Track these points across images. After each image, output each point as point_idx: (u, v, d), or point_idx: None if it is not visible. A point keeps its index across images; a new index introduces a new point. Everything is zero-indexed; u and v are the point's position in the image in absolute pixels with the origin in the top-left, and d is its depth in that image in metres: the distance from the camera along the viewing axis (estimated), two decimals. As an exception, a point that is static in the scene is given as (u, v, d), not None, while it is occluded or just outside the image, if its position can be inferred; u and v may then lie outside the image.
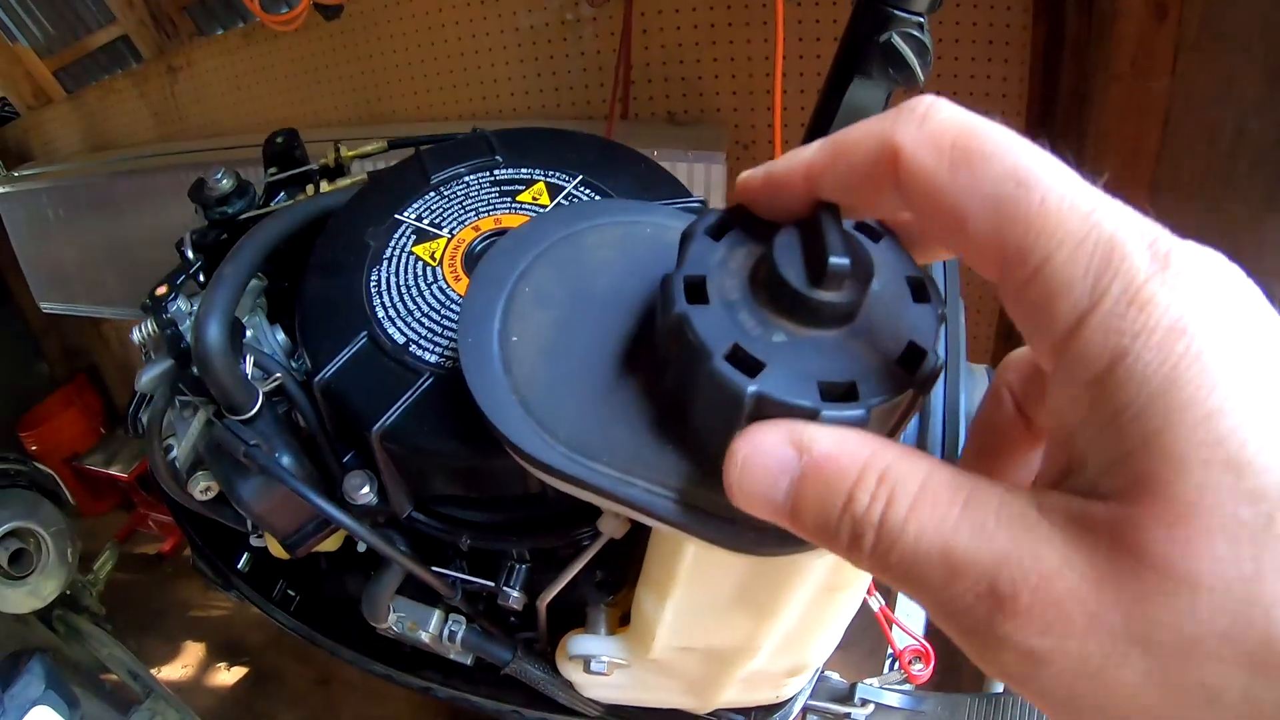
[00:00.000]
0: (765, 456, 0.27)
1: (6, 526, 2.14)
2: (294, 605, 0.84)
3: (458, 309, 0.56)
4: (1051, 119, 1.88)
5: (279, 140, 0.83)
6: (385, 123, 2.55)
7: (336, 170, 0.81)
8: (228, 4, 2.81)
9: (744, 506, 0.28)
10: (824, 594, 0.49)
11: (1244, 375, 0.20)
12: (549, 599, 0.58)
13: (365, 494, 0.54)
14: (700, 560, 0.44)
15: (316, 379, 0.52)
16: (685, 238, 0.34)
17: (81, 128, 3.40)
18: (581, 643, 0.59)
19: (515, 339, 0.41)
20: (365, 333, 0.54)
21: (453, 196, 0.64)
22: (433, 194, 0.64)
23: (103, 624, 2.68)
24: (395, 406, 0.50)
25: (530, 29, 2.18)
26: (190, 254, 0.70)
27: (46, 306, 3.56)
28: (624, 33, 2.01)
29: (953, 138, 0.25)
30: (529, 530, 0.57)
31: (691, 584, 0.46)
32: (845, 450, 0.26)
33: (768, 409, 0.31)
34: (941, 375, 0.48)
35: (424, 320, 0.55)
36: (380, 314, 0.55)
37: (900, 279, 0.34)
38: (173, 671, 3.18)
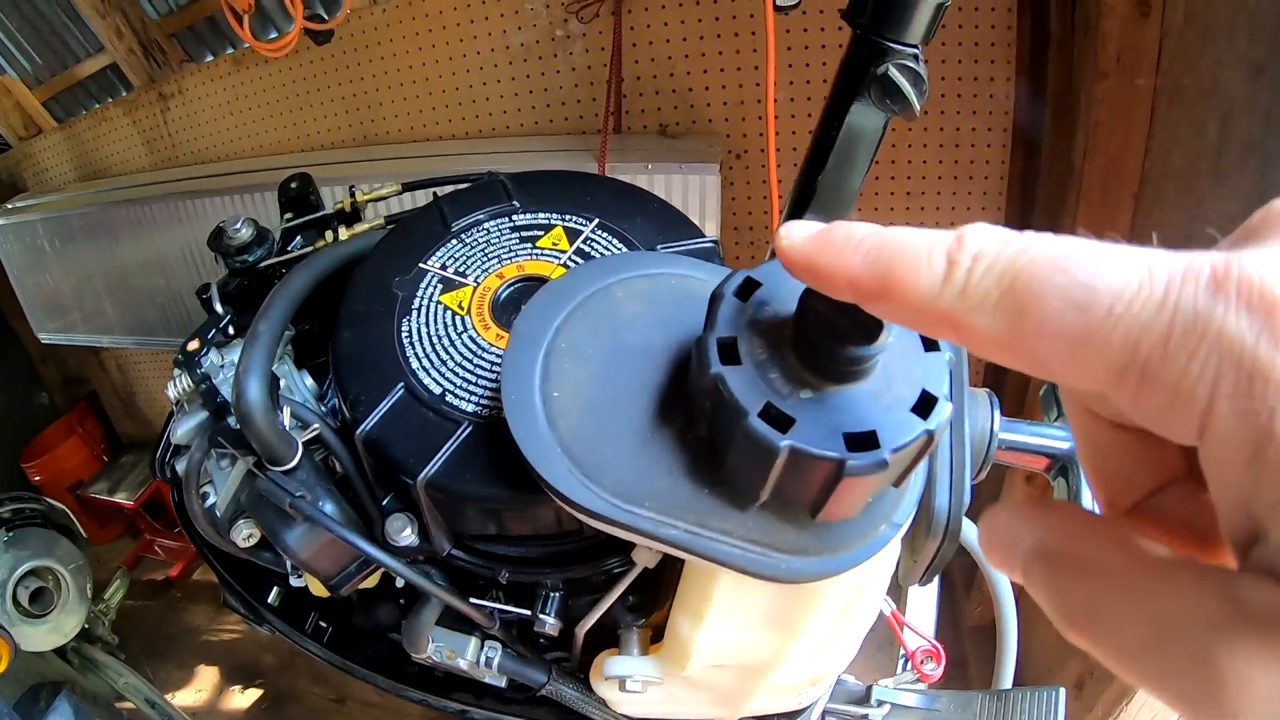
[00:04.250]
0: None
1: (26, 565, 2.15)
2: (327, 637, 0.86)
3: (489, 357, 0.58)
4: (1040, 117, 1.91)
5: (293, 185, 0.85)
6: (378, 143, 2.57)
7: (353, 214, 0.83)
8: (216, 30, 2.84)
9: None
10: (842, 613, 0.52)
11: None
12: (588, 626, 0.61)
13: (407, 535, 0.57)
14: (733, 588, 0.47)
15: (358, 431, 0.55)
16: (714, 299, 0.37)
17: (73, 157, 3.42)
18: (617, 664, 0.62)
19: (556, 395, 0.44)
20: (402, 384, 0.57)
21: (474, 244, 0.66)
22: (454, 241, 0.67)
23: (116, 653, 2.68)
24: (438, 456, 0.53)
25: (521, 46, 2.21)
26: (219, 308, 0.72)
27: (45, 337, 3.58)
28: (614, 47, 2.03)
29: (999, 293, 0.24)
30: (565, 562, 0.60)
31: (724, 609, 0.49)
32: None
33: (799, 460, 0.34)
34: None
35: (458, 370, 0.57)
36: (414, 364, 0.58)
37: (911, 331, 0.37)
38: (187, 697, 3.20)
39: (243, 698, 3.18)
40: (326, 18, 2.11)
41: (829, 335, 0.34)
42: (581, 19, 2.08)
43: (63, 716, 1.98)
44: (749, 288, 0.37)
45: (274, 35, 2.52)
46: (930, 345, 0.37)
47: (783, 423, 0.34)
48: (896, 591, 1.05)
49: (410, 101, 2.45)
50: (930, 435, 0.35)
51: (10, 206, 3.41)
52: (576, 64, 2.19)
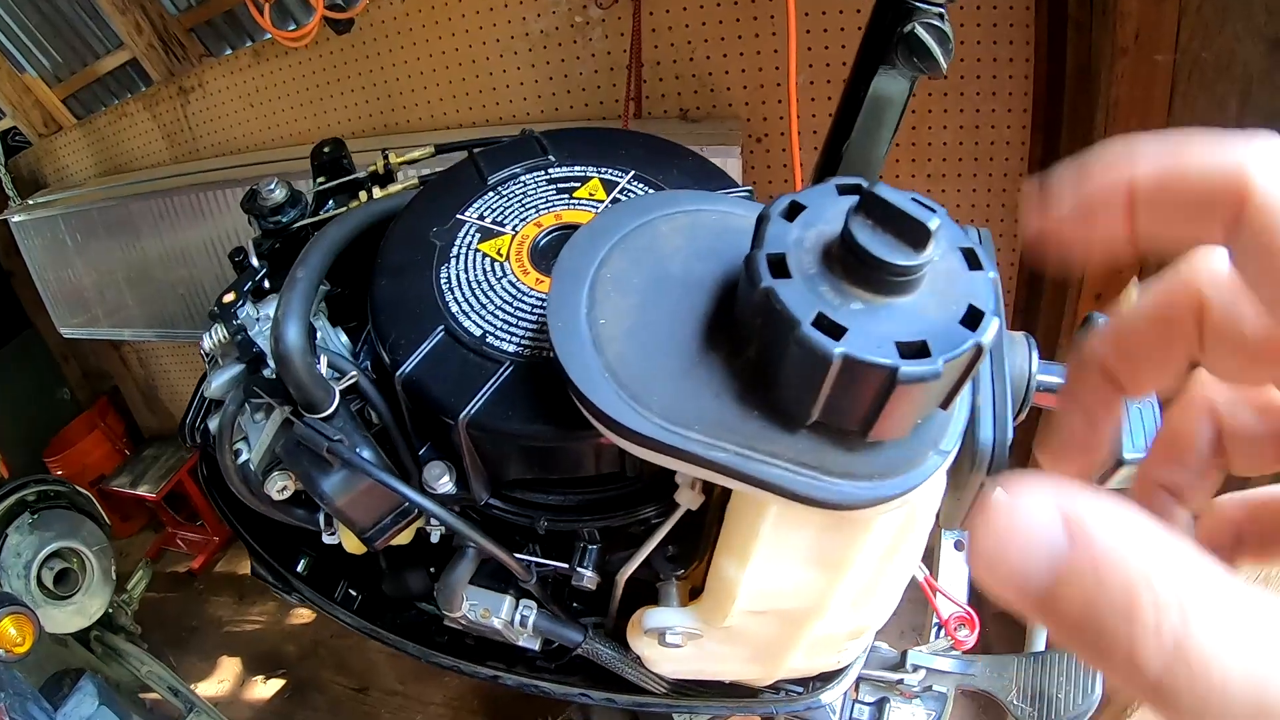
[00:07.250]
0: (1030, 530, 0.21)
1: (51, 547, 2.17)
2: (356, 604, 0.87)
3: (530, 300, 0.58)
4: (1059, 94, 1.90)
5: (326, 150, 0.86)
6: (399, 133, 2.58)
7: (386, 177, 0.84)
8: (235, 23, 2.85)
9: (985, 579, 0.22)
10: (888, 551, 0.51)
11: None
12: (628, 574, 0.60)
13: (445, 483, 0.57)
14: (780, 519, 0.47)
15: (398, 373, 0.55)
16: (761, 220, 0.37)
17: (94, 153, 3.44)
18: (657, 615, 0.61)
19: (602, 321, 0.44)
20: (442, 327, 0.57)
21: (511, 195, 0.66)
22: (491, 194, 0.67)
23: (138, 642, 2.70)
24: (479, 394, 0.52)
25: (540, 33, 2.21)
26: (255, 261, 0.73)
27: (67, 331, 3.61)
28: (634, 32, 2.03)
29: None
30: (603, 509, 0.59)
31: (771, 544, 0.49)
32: (1131, 548, 0.20)
33: (852, 369, 0.34)
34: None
35: (498, 313, 0.57)
36: (454, 309, 0.58)
37: (954, 250, 0.38)
38: (210, 687, 3.22)
39: (265, 687, 3.20)
40: (346, 7, 2.12)
41: (876, 243, 0.34)
42: (601, 4, 2.08)
43: (88, 695, 2.00)
44: (794, 210, 0.37)
45: (294, 26, 2.54)
46: (974, 264, 0.37)
47: (835, 331, 0.34)
48: (930, 559, 1.05)
49: (431, 90, 2.46)
50: (979, 348, 0.35)
51: (32, 202, 3.44)
52: (596, 50, 2.20)
